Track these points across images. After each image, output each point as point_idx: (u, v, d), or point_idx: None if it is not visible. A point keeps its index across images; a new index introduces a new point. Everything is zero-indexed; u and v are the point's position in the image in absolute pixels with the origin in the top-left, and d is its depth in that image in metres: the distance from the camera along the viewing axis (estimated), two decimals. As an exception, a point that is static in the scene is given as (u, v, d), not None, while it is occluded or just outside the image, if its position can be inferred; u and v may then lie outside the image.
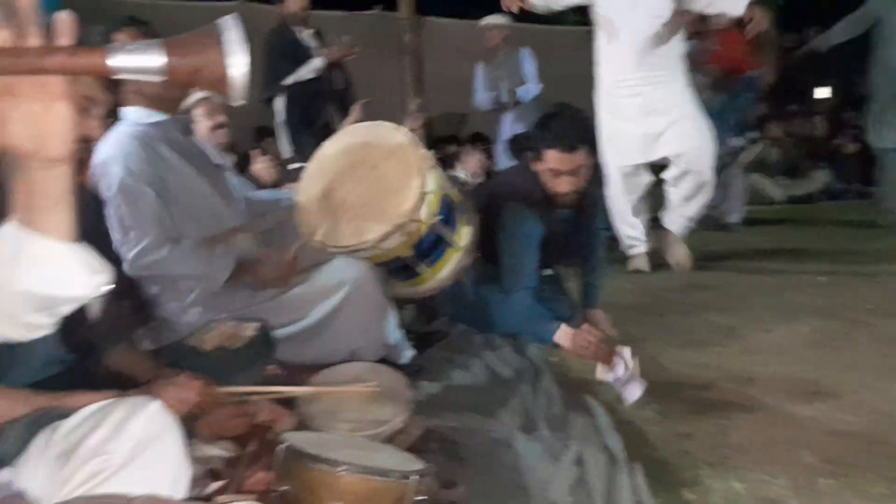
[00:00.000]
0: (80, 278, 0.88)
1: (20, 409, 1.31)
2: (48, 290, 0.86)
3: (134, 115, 2.27)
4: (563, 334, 2.52)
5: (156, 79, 0.75)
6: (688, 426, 2.09)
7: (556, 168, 2.71)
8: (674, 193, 4.29)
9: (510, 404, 2.14)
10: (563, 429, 1.98)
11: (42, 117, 0.79)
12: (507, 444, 1.85)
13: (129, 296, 2.44)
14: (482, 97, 6.07)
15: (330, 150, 2.65)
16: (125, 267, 2.14)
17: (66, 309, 0.91)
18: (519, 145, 4.82)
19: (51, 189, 0.84)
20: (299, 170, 3.06)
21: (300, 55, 4.76)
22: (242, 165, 4.32)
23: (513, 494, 1.62)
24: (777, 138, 8.21)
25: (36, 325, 0.90)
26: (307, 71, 4.76)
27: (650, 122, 4.10)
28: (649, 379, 2.29)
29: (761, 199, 7.58)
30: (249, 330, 2.03)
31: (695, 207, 4.31)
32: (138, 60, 0.74)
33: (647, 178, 4.37)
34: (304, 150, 3.76)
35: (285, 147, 4.91)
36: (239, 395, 1.74)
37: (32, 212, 0.84)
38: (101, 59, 0.73)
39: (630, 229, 4.43)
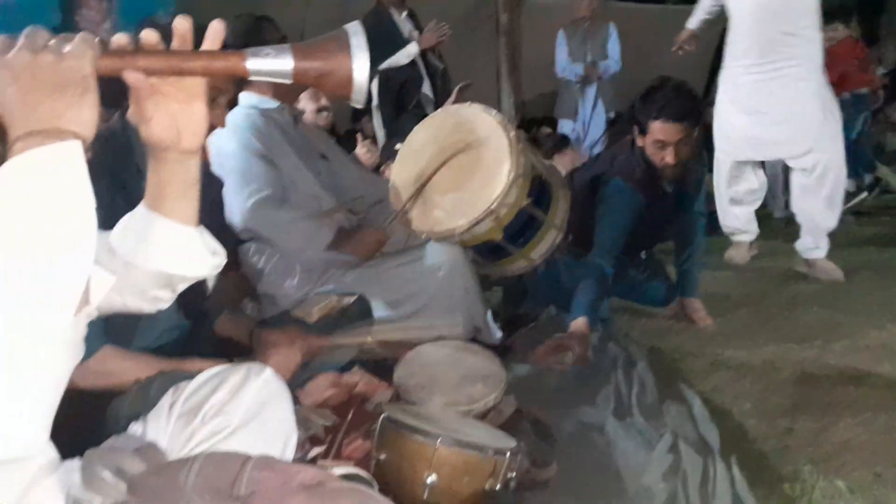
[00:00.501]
0: (201, 259, 0.98)
1: (145, 371, 1.43)
2: (174, 268, 0.96)
3: (248, 100, 2.37)
4: (575, 324, 2.46)
5: (285, 81, 0.81)
6: (789, 421, 2.02)
7: (661, 139, 2.67)
8: (801, 200, 3.84)
9: (603, 390, 2.14)
10: (658, 416, 1.96)
11: (181, 114, 0.88)
12: (599, 429, 1.85)
13: (236, 269, 2.58)
14: (566, 67, 5.88)
15: (422, 133, 2.69)
16: (240, 217, 2.24)
17: (186, 285, 1.00)
18: (620, 122, 4.71)
19: (182, 178, 0.93)
20: (393, 153, 3.13)
21: (396, 39, 4.80)
22: (345, 147, 4.43)
23: (604, 478, 1.62)
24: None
25: (159, 299, 1.01)
26: (402, 56, 4.79)
27: (768, 118, 3.72)
28: (749, 372, 2.23)
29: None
30: (350, 302, 2.11)
31: (828, 218, 3.79)
32: (271, 64, 0.80)
33: (758, 173, 4.11)
34: (398, 134, 3.82)
35: (379, 131, 4.99)
36: (339, 345, 1.81)
37: (164, 198, 0.93)
38: (241, 63, 0.80)
39: (731, 219, 4.25)
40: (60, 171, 0.73)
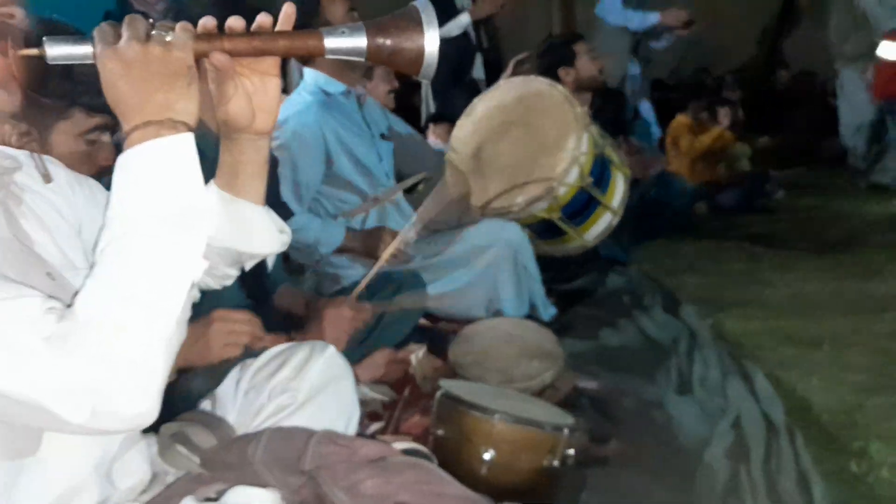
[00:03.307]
0: (271, 237, 1.00)
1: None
2: (245, 246, 0.99)
3: (314, 80, 2.39)
4: None
5: (359, 59, 0.83)
6: (857, 397, 1.96)
7: None
8: None
9: (663, 366, 2.11)
10: (720, 393, 1.93)
11: (256, 94, 0.90)
12: (659, 405, 1.83)
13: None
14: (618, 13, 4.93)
15: (483, 106, 2.67)
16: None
17: (253, 262, 1.04)
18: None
19: (254, 159, 0.95)
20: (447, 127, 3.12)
21: (448, 9, 4.74)
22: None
23: (666, 454, 1.61)
24: None
25: (227, 276, 1.05)
26: (455, 27, 4.72)
27: None
28: (822, 344, 2.16)
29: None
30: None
31: None
32: (347, 42, 0.82)
33: None
34: (451, 108, 3.79)
35: (428, 103, 4.96)
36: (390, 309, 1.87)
37: (236, 178, 0.96)
38: (320, 42, 0.82)
39: None
40: (180, 163, 0.78)
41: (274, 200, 1.98)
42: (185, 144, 0.78)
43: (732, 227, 4.45)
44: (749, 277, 3.24)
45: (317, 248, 2.33)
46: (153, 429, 1.02)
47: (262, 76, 0.90)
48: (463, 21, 4.66)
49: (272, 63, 0.89)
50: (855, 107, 5.42)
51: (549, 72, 3.46)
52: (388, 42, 0.82)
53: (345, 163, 2.37)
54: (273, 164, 2.15)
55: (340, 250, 2.35)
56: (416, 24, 0.81)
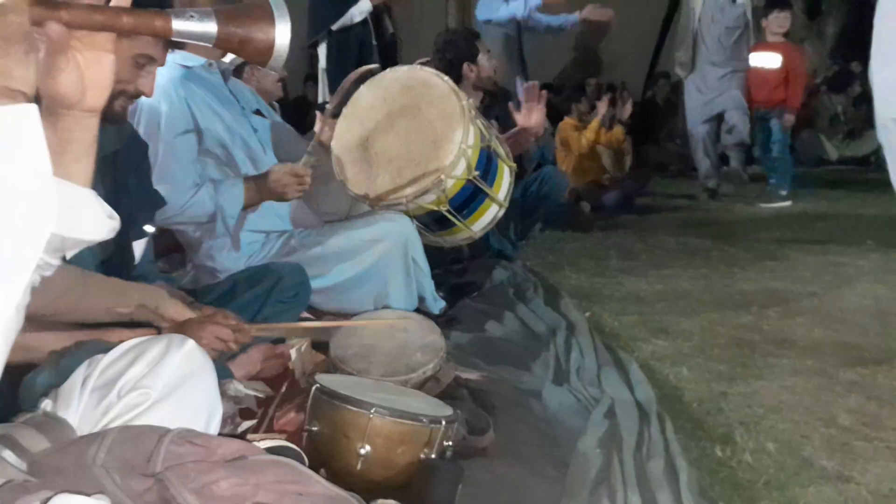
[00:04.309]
0: (98, 221, 0.92)
1: (61, 341, 1.35)
2: (67, 232, 0.90)
3: (173, 57, 2.26)
4: None
5: (207, 44, 0.82)
6: (724, 385, 2.06)
7: None
8: None
9: (542, 357, 2.14)
10: (596, 382, 1.97)
11: (88, 69, 0.84)
12: (537, 395, 1.85)
13: (170, 239, 2.49)
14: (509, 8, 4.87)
15: (368, 95, 2.60)
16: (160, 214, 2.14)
17: (76, 250, 0.94)
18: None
19: (81, 138, 0.88)
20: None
21: None
22: (297, 112, 4.30)
23: (542, 444, 1.62)
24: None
25: (47, 265, 0.93)
26: (356, 13, 4.62)
27: None
28: (692, 336, 2.26)
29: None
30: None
31: None
32: (195, 27, 0.80)
33: None
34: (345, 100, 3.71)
35: (324, 96, 4.86)
36: (271, 331, 1.77)
37: (61, 157, 0.87)
38: (167, 24, 0.79)
39: None
40: (19, 135, 0.70)
41: (146, 189, 1.87)
42: (26, 114, 0.70)
43: (611, 227, 4.64)
44: (625, 274, 3.38)
45: (222, 218, 2.18)
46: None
47: (96, 51, 0.84)
48: (364, 7, 4.57)
49: (108, 38, 0.84)
50: (692, 125, 5.90)
51: (453, 66, 3.46)
52: (239, 31, 0.81)
53: (216, 134, 2.25)
54: (144, 150, 2.02)
55: (246, 207, 2.19)
56: (268, 16, 0.81)
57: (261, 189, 2.18)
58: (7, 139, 0.69)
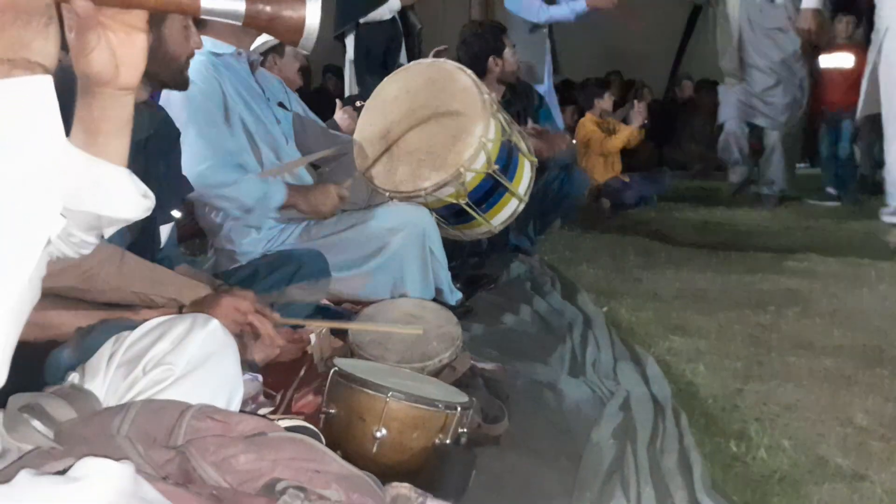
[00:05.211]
0: (132, 200, 0.93)
1: (87, 319, 1.38)
2: (103, 210, 0.91)
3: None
4: None
5: (236, 22, 0.80)
6: (740, 382, 2.06)
7: None
8: None
9: (558, 350, 2.15)
10: (611, 375, 1.98)
11: (121, 47, 0.84)
12: (552, 387, 1.86)
13: (192, 225, 2.52)
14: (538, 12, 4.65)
15: (391, 88, 2.62)
16: (193, 181, 2.18)
17: (113, 229, 0.96)
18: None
19: (117, 115, 0.88)
20: (358, 109, 3.07)
21: None
22: (316, 104, 4.32)
23: (555, 435, 1.63)
24: None
25: (84, 243, 0.96)
26: (385, 10, 4.64)
27: None
28: (709, 334, 2.25)
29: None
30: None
31: None
32: (224, 4, 0.79)
33: None
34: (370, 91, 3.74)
35: (353, 86, 4.87)
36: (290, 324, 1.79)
37: (96, 136, 0.89)
38: (196, 1, 0.78)
39: None
40: (33, 106, 0.70)
41: (175, 174, 1.90)
42: (41, 86, 0.70)
43: (631, 224, 4.63)
44: (644, 270, 3.37)
45: (256, 209, 2.27)
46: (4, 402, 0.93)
47: (129, 29, 0.84)
48: (394, 6, 4.59)
49: (140, 16, 0.84)
50: (726, 119, 5.58)
51: (478, 59, 3.46)
52: (268, 8, 0.80)
53: (241, 121, 2.29)
54: (175, 137, 2.06)
55: (284, 206, 2.30)
56: None
57: (303, 197, 2.30)
58: (22, 110, 0.69)
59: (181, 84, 1.68)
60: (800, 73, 5.26)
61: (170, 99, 2.18)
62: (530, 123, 3.49)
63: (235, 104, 2.28)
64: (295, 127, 2.55)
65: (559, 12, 4.64)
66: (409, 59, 4.47)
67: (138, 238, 1.66)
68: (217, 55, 2.29)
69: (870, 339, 2.42)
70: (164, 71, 1.62)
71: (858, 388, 2.02)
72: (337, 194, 2.31)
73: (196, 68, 2.20)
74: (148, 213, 0.95)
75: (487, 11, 6.77)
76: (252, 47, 2.53)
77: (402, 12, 4.67)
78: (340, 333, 1.98)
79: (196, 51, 1.89)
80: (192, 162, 2.15)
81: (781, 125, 5.30)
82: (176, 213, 1.82)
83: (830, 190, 5.61)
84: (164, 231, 1.82)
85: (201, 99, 2.19)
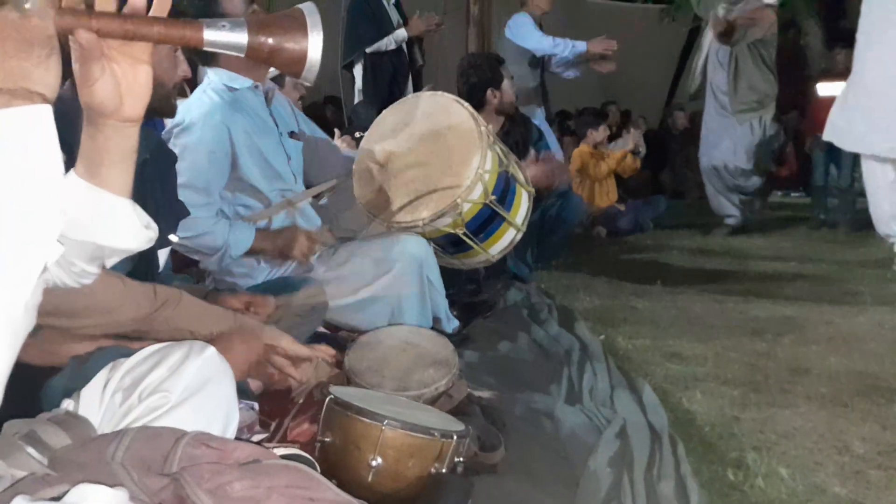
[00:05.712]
0: (134, 231, 0.94)
1: (85, 346, 1.39)
2: (104, 240, 0.92)
3: (218, 77, 2.30)
4: None
5: (238, 54, 0.82)
6: (737, 410, 2.05)
7: None
8: None
9: (555, 377, 2.14)
10: (608, 403, 1.98)
11: (125, 79, 0.85)
12: (549, 414, 1.85)
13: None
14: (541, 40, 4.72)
15: (390, 119, 2.66)
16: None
17: (115, 259, 0.97)
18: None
19: (121, 146, 0.90)
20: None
21: (385, 24, 4.72)
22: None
23: (553, 462, 1.63)
24: None
25: (85, 273, 0.96)
26: (391, 41, 4.70)
27: None
28: (705, 361, 2.24)
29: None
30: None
31: None
32: (227, 37, 0.80)
33: None
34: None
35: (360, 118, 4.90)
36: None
37: (100, 167, 0.90)
38: (198, 34, 0.80)
39: None
40: (32, 136, 0.71)
41: (171, 199, 1.91)
42: (41, 116, 0.72)
43: (626, 251, 4.64)
44: (640, 298, 3.38)
45: (225, 253, 2.25)
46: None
47: (133, 61, 0.85)
48: (399, 36, 4.66)
49: (143, 49, 0.85)
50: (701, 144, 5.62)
51: (476, 90, 3.52)
52: (271, 41, 0.81)
53: (250, 164, 2.30)
54: (172, 160, 2.08)
55: (250, 252, 2.28)
56: (301, 26, 0.81)
57: (270, 241, 2.29)
58: (20, 139, 0.71)
59: (168, 111, 1.69)
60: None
61: (182, 127, 2.21)
62: (531, 154, 3.51)
63: (244, 148, 2.27)
64: (305, 155, 2.56)
65: (560, 46, 4.70)
66: (414, 90, 4.54)
67: (138, 264, 1.67)
68: (233, 90, 2.30)
69: (866, 366, 2.42)
70: (152, 97, 1.63)
71: (855, 415, 2.02)
72: (307, 238, 2.28)
73: (207, 111, 2.23)
74: (150, 245, 0.95)
75: (484, 44, 6.88)
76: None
77: (409, 45, 4.75)
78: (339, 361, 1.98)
79: (211, 88, 1.93)
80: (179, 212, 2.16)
81: None
82: (173, 238, 1.83)
83: (821, 216, 5.67)
84: (162, 255, 1.83)
85: (194, 144, 2.19)
